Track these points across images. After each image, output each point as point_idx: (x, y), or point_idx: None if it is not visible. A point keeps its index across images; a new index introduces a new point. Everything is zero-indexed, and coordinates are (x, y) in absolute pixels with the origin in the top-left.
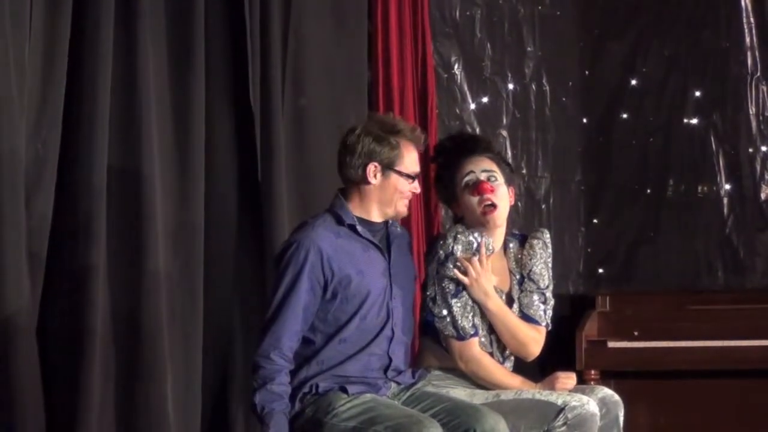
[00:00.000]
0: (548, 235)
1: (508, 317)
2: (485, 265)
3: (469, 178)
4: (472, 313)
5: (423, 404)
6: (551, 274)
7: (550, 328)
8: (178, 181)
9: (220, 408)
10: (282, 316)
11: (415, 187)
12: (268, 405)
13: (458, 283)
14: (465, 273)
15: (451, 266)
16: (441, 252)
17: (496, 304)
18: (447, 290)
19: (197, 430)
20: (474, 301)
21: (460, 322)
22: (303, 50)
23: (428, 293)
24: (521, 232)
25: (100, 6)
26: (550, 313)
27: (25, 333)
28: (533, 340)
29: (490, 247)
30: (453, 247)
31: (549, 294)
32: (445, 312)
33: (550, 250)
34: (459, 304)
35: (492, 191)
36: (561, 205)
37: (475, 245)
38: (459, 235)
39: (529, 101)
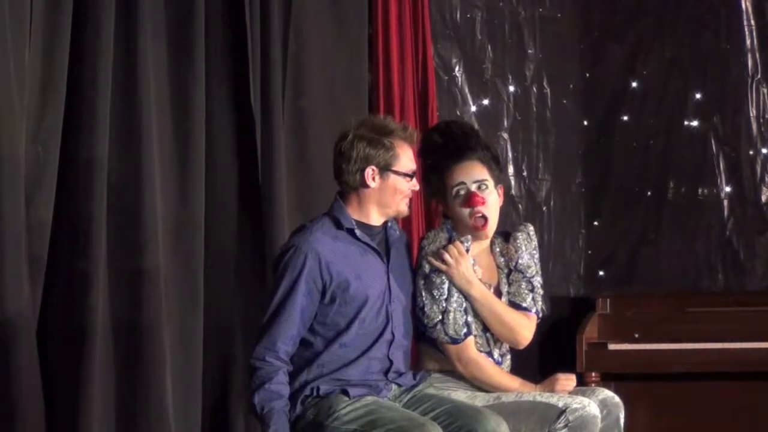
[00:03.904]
0: (532, 229)
1: (493, 304)
2: (463, 252)
3: (459, 188)
4: (464, 312)
5: (424, 406)
6: (538, 265)
7: (540, 316)
8: (178, 182)
9: (221, 408)
10: (278, 320)
11: (414, 184)
12: (268, 404)
13: (449, 287)
14: (444, 262)
15: (435, 277)
16: (427, 266)
17: (479, 290)
18: (437, 297)
19: (197, 430)
20: (459, 291)
21: (452, 327)
22: (303, 52)
23: (417, 304)
24: (506, 230)
25: (100, 7)
26: (539, 300)
27: (25, 334)
28: (521, 325)
29: (467, 243)
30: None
31: (536, 282)
32: (436, 320)
33: (534, 243)
34: (453, 306)
35: (483, 203)
36: (562, 207)
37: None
38: (439, 247)
39: (530, 103)
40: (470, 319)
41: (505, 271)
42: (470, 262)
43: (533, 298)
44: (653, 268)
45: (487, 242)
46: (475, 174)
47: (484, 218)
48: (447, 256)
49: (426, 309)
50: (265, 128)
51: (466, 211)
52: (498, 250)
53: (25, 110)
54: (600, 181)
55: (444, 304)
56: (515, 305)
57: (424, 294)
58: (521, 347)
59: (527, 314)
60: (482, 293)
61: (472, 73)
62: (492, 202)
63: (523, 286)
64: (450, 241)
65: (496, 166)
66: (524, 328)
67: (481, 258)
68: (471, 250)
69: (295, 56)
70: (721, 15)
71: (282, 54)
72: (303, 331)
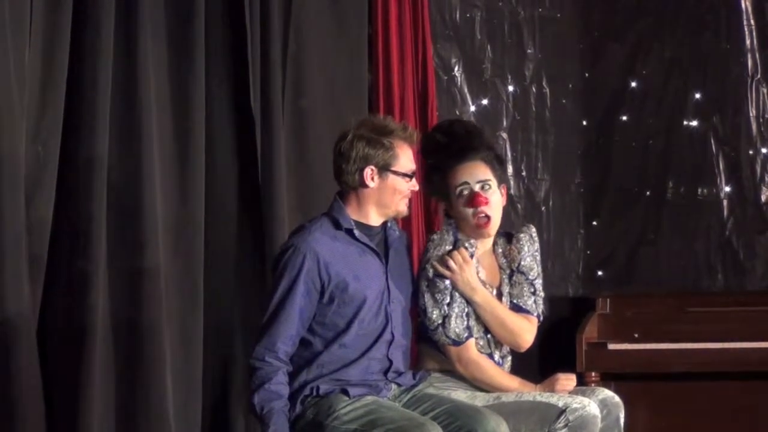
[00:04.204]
0: (534, 230)
1: (496, 309)
2: (467, 259)
3: (462, 188)
4: (465, 317)
5: (424, 406)
6: (540, 267)
7: (542, 319)
8: (178, 182)
9: (221, 408)
10: (277, 320)
11: (413, 185)
12: (267, 404)
13: (451, 292)
14: (448, 268)
15: (439, 281)
16: (431, 271)
17: (482, 296)
18: (440, 300)
19: (197, 430)
20: (463, 297)
21: (453, 329)
22: (303, 52)
23: (419, 305)
24: (506, 230)
25: (100, 6)
26: (540, 303)
27: (25, 334)
28: (523, 329)
29: (472, 248)
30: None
31: (538, 285)
32: (437, 323)
33: (537, 245)
34: (455, 311)
35: (487, 203)
36: (560, 207)
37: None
38: (444, 252)
39: (529, 103)
40: (472, 322)
41: (507, 272)
42: (474, 269)
43: (535, 301)
44: (652, 269)
45: (489, 243)
46: (478, 174)
47: (488, 218)
48: (451, 263)
49: (428, 312)
50: (265, 128)
51: (470, 210)
52: (500, 251)
53: (25, 110)
54: (599, 181)
55: (446, 309)
56: (517, 308)
57: (426, 297)
58: (522, 350)
59: (529, 317)
60: (486, 299)
61: (472, 72)
62: (495, 202)
63: (525, 289)
64: (456, 244)
65: (499, 165)
66: (526, 332)
67: (484, 259)
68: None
69: (295, 56)
70: (721, 15)
71: (282, 54)
72: (302, 331)
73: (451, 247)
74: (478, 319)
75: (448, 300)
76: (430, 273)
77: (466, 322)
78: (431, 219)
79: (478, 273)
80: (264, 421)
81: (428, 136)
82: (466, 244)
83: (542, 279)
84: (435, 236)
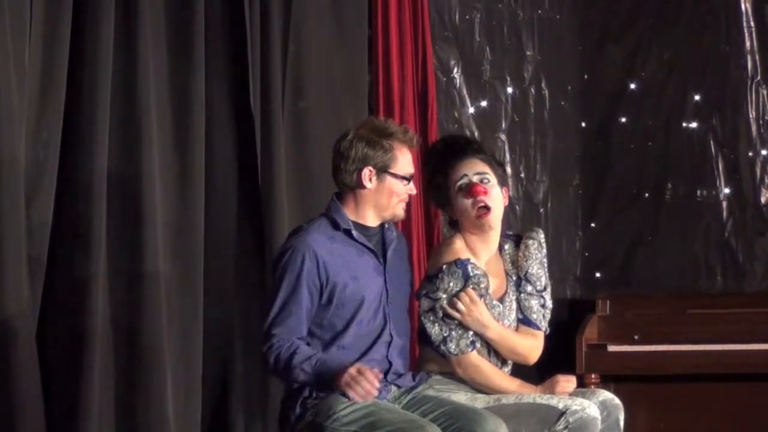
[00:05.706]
0: (542, 235)
1: (507, 339)
2: (475, 299)
3: (462, 182)
4: (469, 337)
5: (424, 408)
6: (547, 275)
7: (548, 332)
8: (178, 183)
9: (220, 409)
10: (285, 320)
11: (411, 188)
12: (309, 361)
13: (458, 323)
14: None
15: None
16: (440, 312)
17: (494, 332)
18: (446, 324)
19: (197, 430)
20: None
21: (455, 346)
22: (303, 53)
23: (421, 321)
24: (515, 232)
25: (100, 6)
26: (548, 317)
27: (25, 336)
28: (532, 348)
29: (483, 284)
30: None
31: (548, 297)
32: (439, 341)
33: (545, 251)
34: (459, 331)
35: (485, 193)
36: (559, 208)
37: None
38: (451, 284)
39: (528, 105)
40: (476, 337)
41: (514, 278)
42: (484, 307)
43: (543, 315)
44: (651, 270)
45: (495, 247)
46: (477, 168)
47: (487, 208)
48: (460, 305)
49: (428, 332)
50: (265, 128)
51: (469, 201)
52: (508, 255)
53: (25, 111)
54: (598, 182)
55: (449, 331)
56: (526, 321)
57: (424, 320)
58: (530, 365)
59: (535, 333)
60: (497, 334)
61: (471, 74)
62: (495, 195)
63: (534, 302)
64: (467, 282)
65: (499, 167)
66: (535, 351)
67: (490, 265)
68: (480, 258)
69: (295, 58)
70: (721, 16)
71: (282, 54)
72: (305, 333)
73: (461, 285)
74: None
75: (453, 325)
76: (440, 314)
77: (470, 339)
78: (431, 223)
79: (488, 285)
80: (319, 373)
81: (429, 148)
82: (474, 286)
83: (550, 287)
84: (444, 272)
